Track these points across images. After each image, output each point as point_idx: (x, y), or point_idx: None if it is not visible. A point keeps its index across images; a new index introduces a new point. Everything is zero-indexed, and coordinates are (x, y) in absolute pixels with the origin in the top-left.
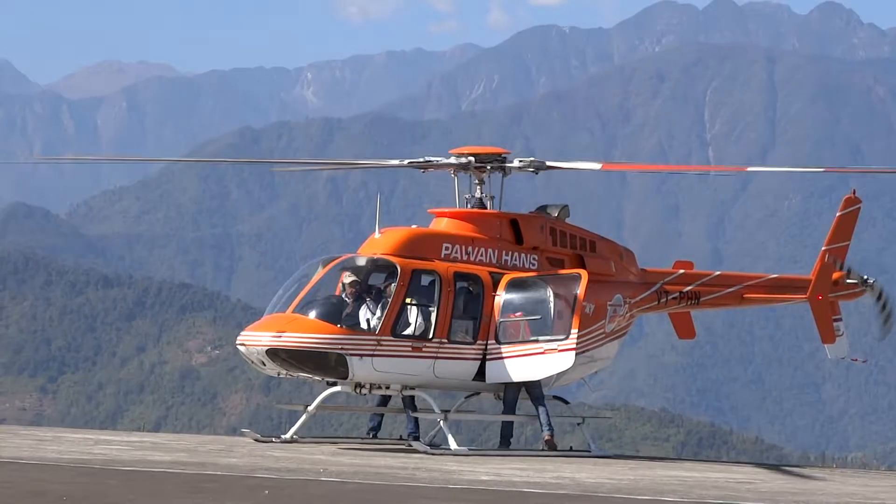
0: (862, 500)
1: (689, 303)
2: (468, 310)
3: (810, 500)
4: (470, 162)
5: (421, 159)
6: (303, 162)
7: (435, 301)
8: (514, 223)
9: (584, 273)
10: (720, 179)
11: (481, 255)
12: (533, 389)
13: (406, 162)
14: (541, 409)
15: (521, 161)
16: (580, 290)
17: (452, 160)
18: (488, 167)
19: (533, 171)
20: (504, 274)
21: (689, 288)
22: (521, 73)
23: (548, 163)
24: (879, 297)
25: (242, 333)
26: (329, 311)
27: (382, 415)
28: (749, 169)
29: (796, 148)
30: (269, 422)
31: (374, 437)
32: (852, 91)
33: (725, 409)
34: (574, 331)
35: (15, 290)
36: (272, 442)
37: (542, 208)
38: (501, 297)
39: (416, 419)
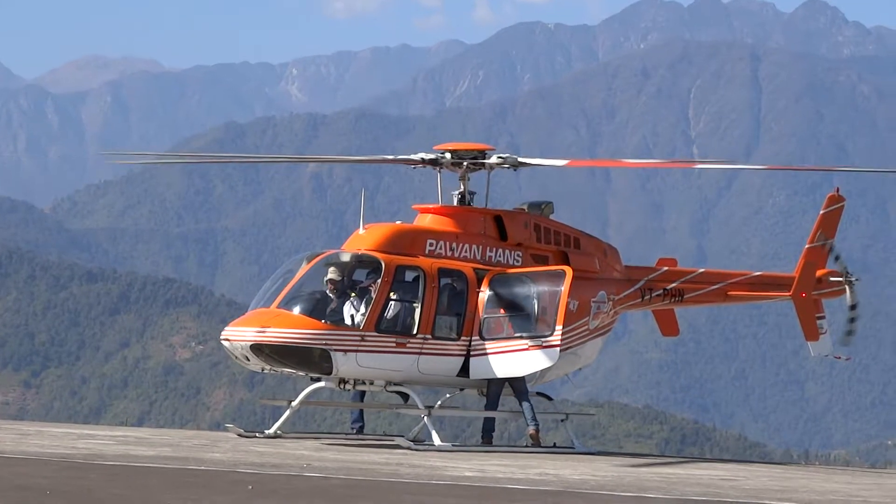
0: (845, 498)
1: (672, 300)
2: (452, 306)
3: (793, 498)
4: (444, 158)
5: (382, 157)
6: (287, 158)
7: (419, 297)
8: (499, 219)
9: (568, 270)
10: (704, 177)
11: (466, 252)
12: (517, 384)
13: (379, 158)
14: (525, 404)
15: (498, 158)
16: (564, 287)
17: (422, 156)
18: (465, 164)
19: (509, 168)
20: (488, 270)
21: (673, 285)
22: (507, 70)
23: (520, 159)
24: (853, 307)
25: (226, 328)
26: (313, 306)
27: (362, 410)
28: (730, 167)
29: (781, 145)
30: (252, 417)
31: (360, 431)
32: (837, 89)
33: (709, 406)
34: (558, 327)
35: None
36: (256, 437)
37: (527, 205)
38: (486, 293)
39: (362, 411)
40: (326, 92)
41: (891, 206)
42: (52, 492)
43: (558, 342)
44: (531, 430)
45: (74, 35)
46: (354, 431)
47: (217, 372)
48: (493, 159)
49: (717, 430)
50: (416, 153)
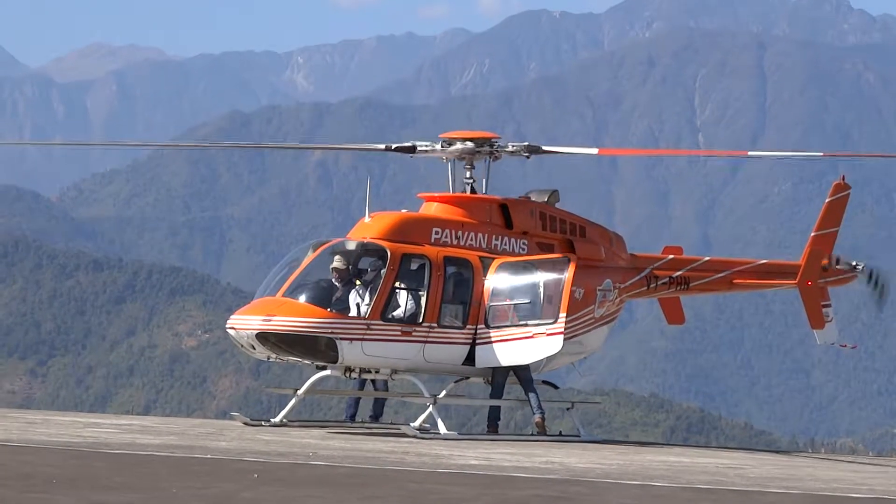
0: (851, 486)
1: (678, 288)
2: (458, 294)
3: (799, 486)
4: (463, 147)
5: (408, 143)
6: (292, 147)
7: (425, 285)
8: (504, 208)
9: (572, 258)
10: (711, 165)
11: (471, 240)
12: (522, 374)
13: (394, 146)
14: (531, 393)
15: (513, 146)
16: (569, 275)
17: (444, 145)
18: (481, 151)
19: (526, 156)
20: (494, 258)
21: (678, 273)
22: (512, 58)
23: (543, 147)
24: (870, 278)
25: (232, 317)
26: (319, 295)
27: (359, 399)
28: (750, 154)
29: (786, 134)
30: (258, 405)
31: (353, 419)
32: (842, 77)
33: (715, 395)
34: (563, 315)
35: (5, 273)
36: (262, 425)
37: (532, 193)
38: (491, 281)
39: (358, 400)
40: (332, 80)
41: None
42: (57, 480)
43: (563, 330)
44: (537, 418)
45: (80, 23)
46: (350, 421)
47: (223, 360)
48: (509, 147)
49: (723, 419)
50: (412, 142)
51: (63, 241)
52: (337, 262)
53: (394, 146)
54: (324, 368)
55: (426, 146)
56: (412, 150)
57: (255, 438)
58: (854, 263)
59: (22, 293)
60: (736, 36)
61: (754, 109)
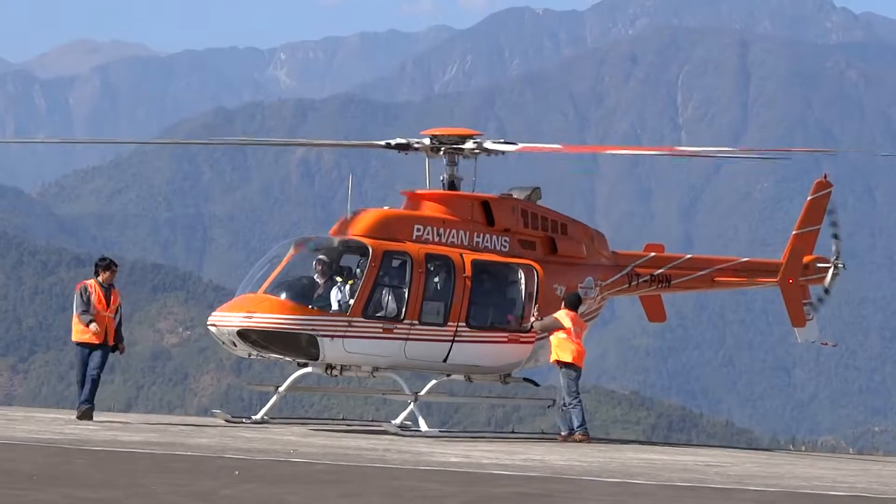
0: (831, 484)
1: (659, 286)
2: (439, 292)
3: (779, 483)
4: (442, 144)
5: (404, 140)
6: (275, 142)
7: (406, 283)
8: (486, 205)
9: (537, 266)
10: (692, 163)
11: (453, 237)
12: (568, 383)
13: (394, 143)
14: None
15: (493, 142)
16: (537, 283)
17: (426, 142)
18: (463, 148)
19: (502, 153)
20: (474, 257)
21: (660, 271)
22: (495, 55)
23: (520, 144)
24: (827, 292)
25: (213, 314)
26: (300, 291)
27: (94, 393)
28: (720, 149)
29: (769, 132)
30: (239, 402)
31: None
32: (825, 75)
33: (696, 393)
34: (528, 325)
35: None
36: (243, 423)
37: (514, 190)
38: (471, 280)
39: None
40: (315, 77)
41: (878, 193)
42: (38, 477)
43: (533, 340)
44: (578, 435)
45: (62, 19)
46: (79, 412)
47: (204, 357)
48: (489, 144)
49: (705, 417)
50: (389, 140)
51: (45, 238)
52: (319, 258)
53: (393, 143)
54: (305, 365)
55: (417, 143)
56: (407, 147)
57: (236, 436)
58: (838, 258)
59: (3, 290)
60: (719, 34)
61: (737, 107)
